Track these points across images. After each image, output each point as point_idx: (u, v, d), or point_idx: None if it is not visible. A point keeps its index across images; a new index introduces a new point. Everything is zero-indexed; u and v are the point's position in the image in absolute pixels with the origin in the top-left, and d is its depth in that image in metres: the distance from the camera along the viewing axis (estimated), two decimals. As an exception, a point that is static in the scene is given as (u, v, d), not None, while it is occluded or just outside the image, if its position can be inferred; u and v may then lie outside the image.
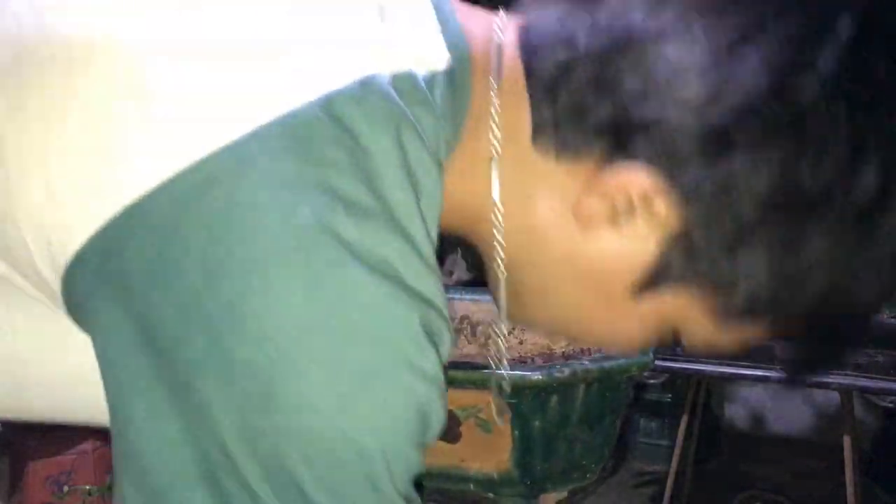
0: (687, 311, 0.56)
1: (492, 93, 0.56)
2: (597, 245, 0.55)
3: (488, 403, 1.03)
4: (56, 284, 0.48)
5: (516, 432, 1.02)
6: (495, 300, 0.63)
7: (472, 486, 1.07)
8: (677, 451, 2.07)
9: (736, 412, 2.77)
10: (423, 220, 0.49)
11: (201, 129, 0.46)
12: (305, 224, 0.45)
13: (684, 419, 2.06)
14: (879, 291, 0.54)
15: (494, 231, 0.57)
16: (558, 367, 0.99)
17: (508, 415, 1.01)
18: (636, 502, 2.42)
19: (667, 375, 2.32)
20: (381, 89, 0.49)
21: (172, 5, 0.49)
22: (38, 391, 0.57)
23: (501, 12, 0.59)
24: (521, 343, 1.20)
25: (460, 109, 0.55)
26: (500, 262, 0.58)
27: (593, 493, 2.35)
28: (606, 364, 1.01)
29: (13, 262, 0.49)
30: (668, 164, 0.52)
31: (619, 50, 0.52)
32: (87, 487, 1.80)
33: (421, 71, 0.52)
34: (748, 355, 1.64)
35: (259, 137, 0.46)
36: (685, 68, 0.51)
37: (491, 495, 1.09)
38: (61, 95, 0.47)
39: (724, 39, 0.51)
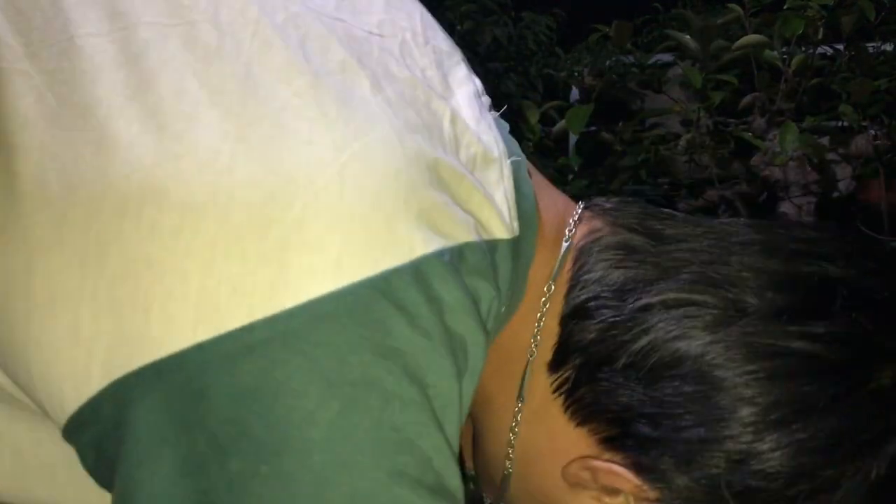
0: None
1: (543, 300, 0.53)
2: (575, 503, 0.54)
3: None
4: (57, 419, 0.46)
5: (516, 431, 1.02)
6: (480, 478, 0.64)
7: (472, 485, 1.07)
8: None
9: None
10: (461, 402, 0.47)
11: (248, 295, 0.43)
12: (332, 421, 0.43)
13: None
14: None
15: (510, 434, 0.55)
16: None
17: None
18: (637, 502, 2.40)
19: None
20: (447, 264, 0.46)
21: (231, 149, 0.46)
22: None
23: (580, 206, 0.57)
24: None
25: (519, 285, 0.52)
26: (509, 458, 0.56)
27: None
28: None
29: (11, 376, 0.48)
30: (670, 494, 0.50)
31: (661, 353, 0.50)
32: (87, 487, 1.79)
33: (485, 237, 0.49)
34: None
35: (305, 313, 0.43)
36: (727, 419, 0.48)
37: (491, 494, 1.08)
38: (104, 237, 0.44)
39: (774, 407, 0.48)
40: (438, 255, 0.46)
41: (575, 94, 2.33)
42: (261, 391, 0.42)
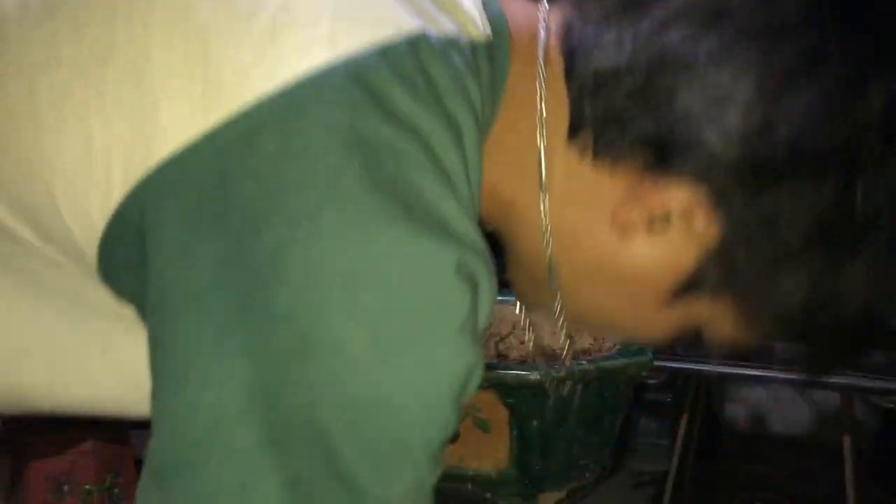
0: (715, 318, 0.56)
1: (537, 84, 0.54)
2: (631, 252, 0.55)
3: (487, 402, 1.04)
4: (89, 248, 0.47)
5: (514, 432, 1.02)
6: (519, 293, 0.62)
7: (469, 485, 1.07)
8: (677, 451, 2.07)
9: (736, 412, 2.76)
10: (469, 183, 0.48)
11: (250, 73, 0.44)
12: (358, 175, 0.44)
13: (684, 419, 2.06)
14: None
15: (541, 216, 0.55)
16: (556, 366, 0.99)
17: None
18: (636, 502, 2.41)
19: (667, 375, 2.31)
20: (437, 46, 0.47)
21: None
22: (41, 369, 0.54)
23: (544, 3, 0.58)
24: (521, 343, 1.20)
25: (498, 90, 0.54)
26: (548, 246, 0.56)
27: (593, 493, 2.34)
28: (604, 364, 1.01)
29: (35, 224, 0.47)
30: (711, 187, 0.51)
31: (668, 66, 0.51)
32: (87, 487, 1.80)
33: (464, 38, 0.50)
34: (748, 355, 1.65)
35: (313, 83, 0.44)
36: (735, 95, 0.50)
37: (489, 495, 1.09)
38: (100, 44, 0.45)
39: (777, 69, 0.50)
40: (429, 36, 0.47)
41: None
42: (282, 160, 0.43)
